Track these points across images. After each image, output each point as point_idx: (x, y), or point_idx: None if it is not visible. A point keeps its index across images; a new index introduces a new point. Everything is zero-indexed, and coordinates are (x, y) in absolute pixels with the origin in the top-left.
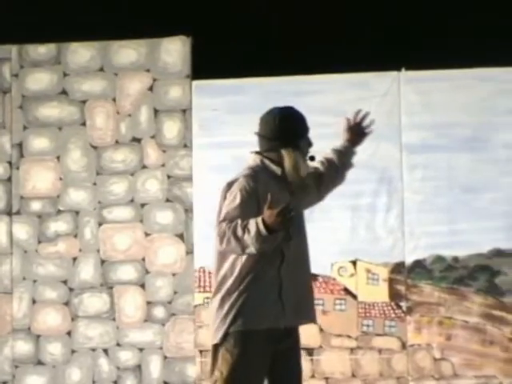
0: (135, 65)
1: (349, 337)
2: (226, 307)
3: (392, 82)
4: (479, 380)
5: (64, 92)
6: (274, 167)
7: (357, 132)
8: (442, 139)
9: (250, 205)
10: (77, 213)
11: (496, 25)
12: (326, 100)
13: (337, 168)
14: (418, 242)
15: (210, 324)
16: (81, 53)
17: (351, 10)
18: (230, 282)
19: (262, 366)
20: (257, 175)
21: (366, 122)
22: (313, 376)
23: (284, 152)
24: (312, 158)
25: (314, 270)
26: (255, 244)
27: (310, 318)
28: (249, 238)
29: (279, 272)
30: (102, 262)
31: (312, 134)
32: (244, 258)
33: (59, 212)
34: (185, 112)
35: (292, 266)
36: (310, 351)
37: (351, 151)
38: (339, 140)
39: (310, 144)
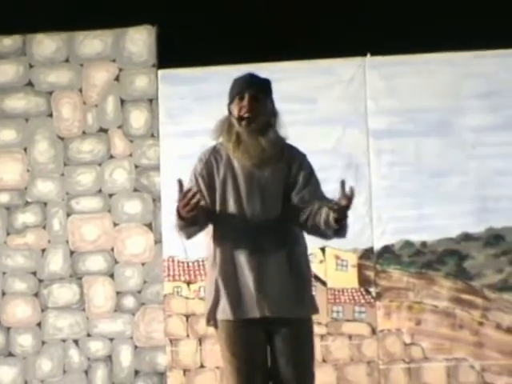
0: (101, 55)
1: (319, 323)
2: (206, 295)
3: (357, 68)
4: (450, 363)
5: (30, 83)
6: None
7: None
8: (409, 124)
9: (196, 187)
10: (45, 204)
11: (459, 9)
12: (292, 87)
13: (310, 214)
14: (386, 228)
15: None
16: (46, 44)
17: None
18: (208, 270)
19: (253, 354)
20: (211, 153)
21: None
22: None
23: None
24: (240, 118)
25: None
26: (179, 230)
27: (295, 311)
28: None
29: (253, 262)
30: (71, 252)
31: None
32: (216, 246)
33: (27, 203)
34: (151, 101)
35: (267, 257)
36: None
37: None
38: (308, 126)
39: (240, 107)
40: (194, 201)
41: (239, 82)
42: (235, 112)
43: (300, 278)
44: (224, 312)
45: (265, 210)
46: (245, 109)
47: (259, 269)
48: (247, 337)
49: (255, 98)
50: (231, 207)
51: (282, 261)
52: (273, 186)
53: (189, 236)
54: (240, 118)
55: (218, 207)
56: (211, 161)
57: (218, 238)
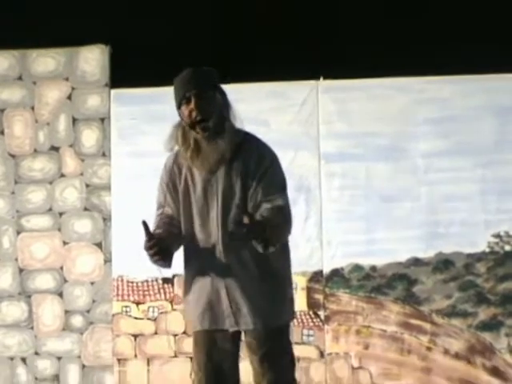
0: (54, 73)
1: None
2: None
3: (310, 91)
4: None
5: None
6: None
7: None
8: (360, 148)
9: (163, 198)
10: None
11: (413, 34)
12: (244, 109)
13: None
14: (335, 251)
15: None
16: None
17: (269, 18)
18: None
19: (221, 366)
20: (173, 161)
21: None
22: None
23: None
24: (192, 124)
25: None
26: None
27: (251, 326)
28: None
29: (221, 275)
30: (20, 270)
31: None
32: (185, 265)
33: None
34: (103, 121)
35: (234, 271)
36: None
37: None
38: None
39: (189, 110)
40: (152, 252)
41: (181, 82)
42: (186, 117)
43: (271, 280)
44: (194, 323)
45: (226, 217)
46: (195, 112)
47: (229, 280)
48: (212, 347)
49: (202, 97)
50: (196, 220)
51: (250, 267)
52: (231, 191)
53: (165, 267)
54: (192, 124)
55: (182, 222)
56: (174, 170)
57: (185, 257)
